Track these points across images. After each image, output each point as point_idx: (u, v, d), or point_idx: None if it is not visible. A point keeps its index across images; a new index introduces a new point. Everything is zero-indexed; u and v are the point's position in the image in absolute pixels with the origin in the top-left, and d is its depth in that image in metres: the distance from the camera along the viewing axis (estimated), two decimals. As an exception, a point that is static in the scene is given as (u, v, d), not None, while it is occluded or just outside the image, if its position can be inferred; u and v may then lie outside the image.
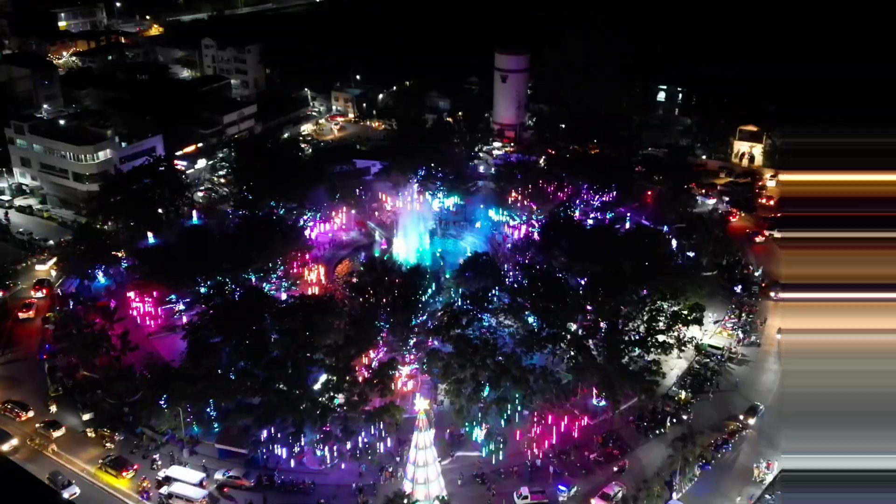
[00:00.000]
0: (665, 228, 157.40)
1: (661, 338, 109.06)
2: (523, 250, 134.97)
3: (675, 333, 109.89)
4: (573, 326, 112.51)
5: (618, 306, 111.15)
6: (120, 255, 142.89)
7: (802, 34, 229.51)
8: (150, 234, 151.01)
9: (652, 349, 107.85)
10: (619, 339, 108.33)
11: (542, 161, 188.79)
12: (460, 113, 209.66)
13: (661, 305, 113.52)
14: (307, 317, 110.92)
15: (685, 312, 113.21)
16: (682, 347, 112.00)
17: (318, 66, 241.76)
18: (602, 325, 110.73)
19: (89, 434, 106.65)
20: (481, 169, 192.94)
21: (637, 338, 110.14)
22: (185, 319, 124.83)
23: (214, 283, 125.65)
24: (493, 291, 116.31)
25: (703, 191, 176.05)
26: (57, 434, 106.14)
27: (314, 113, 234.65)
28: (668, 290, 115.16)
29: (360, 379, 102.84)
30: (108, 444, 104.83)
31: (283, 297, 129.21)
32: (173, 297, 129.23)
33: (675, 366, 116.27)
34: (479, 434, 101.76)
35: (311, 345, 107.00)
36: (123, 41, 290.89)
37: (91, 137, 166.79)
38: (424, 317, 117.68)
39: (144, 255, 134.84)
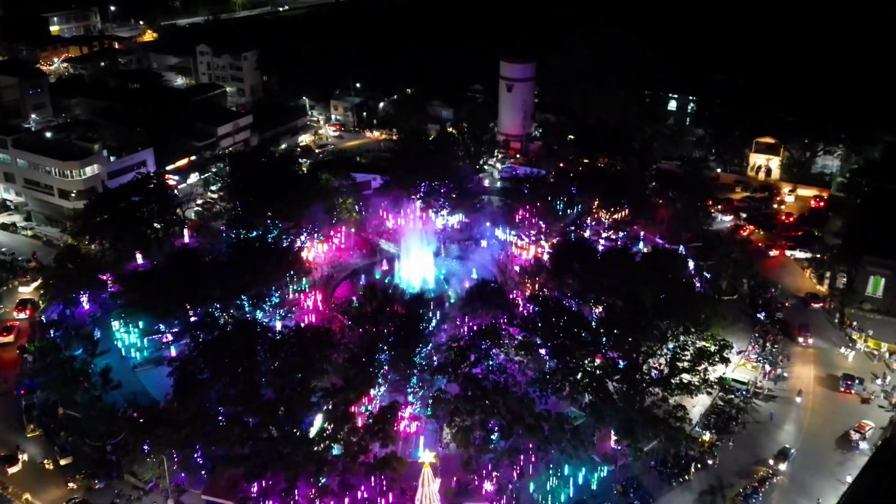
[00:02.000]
0: (681, 249, 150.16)
1: (685, 377, 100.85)
2: (533, 275, 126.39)
3: (701, 374, 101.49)
4: (588, 364, 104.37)
5: (638, 343, 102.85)
6: (106, 279, 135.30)
7: (820, 40, 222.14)
8: (138, 256, 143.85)
9: (676, 390, 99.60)
10: (640, 379, 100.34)
11: (550, 175, 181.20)
12: (464, 123, 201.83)
13: (684, 341, 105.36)
14: (303, 351, 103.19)
15: (711, 349, 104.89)
16: (710, 389, 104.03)
17: (317, 72, 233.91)
18: (620, 362, 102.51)
19: (48, 466, 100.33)
20: (486, 183, 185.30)
21: (658, 377, 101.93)
22: (173, 351, 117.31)
23: (204, 312, 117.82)
24: (503, 325, 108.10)
25: (720, 207, 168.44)
26: (12, 470, 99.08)
27: (312, 122, 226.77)
28: (691, 323, 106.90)
29: (359, 424, 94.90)
30: (71, 485, 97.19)
31: (278, 326, 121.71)
32: (161, 326, 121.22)
33: (696, 402, 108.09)
34: (489, 486, 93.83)
35: (306, 386, 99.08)
36: (117, 46, 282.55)
37: (78, 152, 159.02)
38: (429, 347, 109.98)
39: (131, 280, 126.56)
